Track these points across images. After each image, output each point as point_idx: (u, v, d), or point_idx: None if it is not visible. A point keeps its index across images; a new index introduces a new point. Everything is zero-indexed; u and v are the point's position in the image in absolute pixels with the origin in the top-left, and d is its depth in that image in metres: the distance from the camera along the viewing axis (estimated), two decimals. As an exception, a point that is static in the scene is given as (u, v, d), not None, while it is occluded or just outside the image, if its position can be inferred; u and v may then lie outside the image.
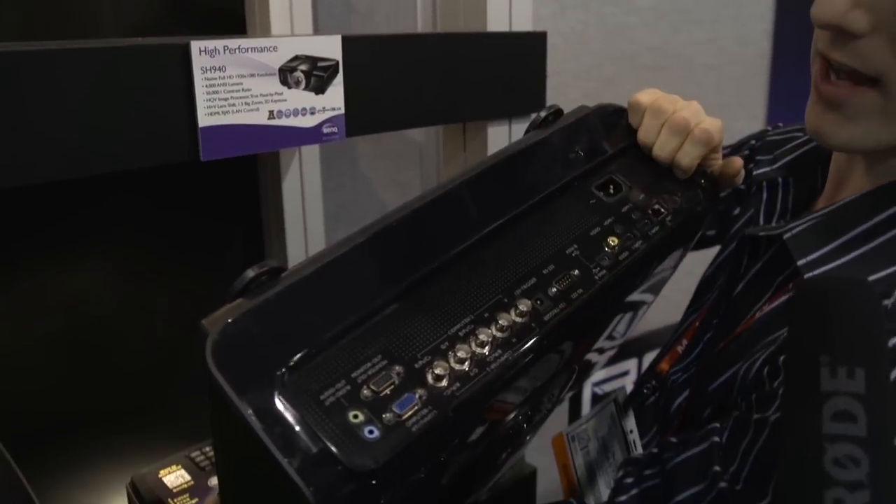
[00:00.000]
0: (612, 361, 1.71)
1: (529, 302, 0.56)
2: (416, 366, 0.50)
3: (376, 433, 0.47)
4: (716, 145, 0.69)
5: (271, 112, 0.77)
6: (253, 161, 1.18)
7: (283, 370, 0.48)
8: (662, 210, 0.66)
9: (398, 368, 0.50)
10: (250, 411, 0.46)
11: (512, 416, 0.59)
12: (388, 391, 0.49)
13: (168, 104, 0.71)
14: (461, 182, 0.62)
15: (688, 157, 0.67)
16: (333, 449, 0.45)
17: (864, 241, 0.63)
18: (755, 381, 0.64)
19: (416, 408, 0.48)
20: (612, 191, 0.66)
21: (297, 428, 0.46)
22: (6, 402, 1.03)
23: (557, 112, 0.71)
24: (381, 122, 0.89)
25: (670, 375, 0.82)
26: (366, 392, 0.48)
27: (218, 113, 0.73)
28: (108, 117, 0.68)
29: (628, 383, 1.72)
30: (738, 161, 0.72)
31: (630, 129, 0.71)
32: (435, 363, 0.51)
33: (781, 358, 0.61)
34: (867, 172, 0.67)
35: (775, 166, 0.80)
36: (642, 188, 0.67)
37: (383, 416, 0.48)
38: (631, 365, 1.76)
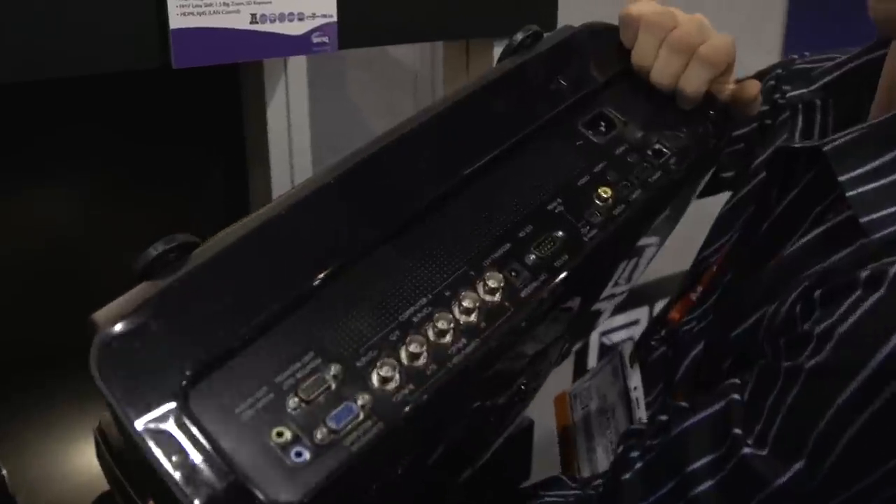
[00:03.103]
0: (621, 310, 1.66)
1: (501, 275, 0.48)
2: (358, 364, 0.43)
3: (305, 455, 0.40)
4: (727, 66, 0.61)
5: (254, 16, 0.73)
6: (236, 84, 1.13)
7: (190, 376, 0.41)
8: (665, 150, 0.58)
9: (334, 369, 0.43)
10: (144, 434, 0.39)
11: (489, 404, 0.52)
12: (321, 399, 0.41)
13: (134, 1, 0.65)
14: (417, 126, 0.53)
15: (693, 81, 0.59)
16: (250, 480, 0.38)
17: None
18: (785, 322, 0.57)
19: (356, 420, 0.41)
20: (603, 128, 0.58)
21: (202, 457, 0.39)
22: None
23: (536, 35, 0.63)
24: (379, 35, 0.85)
25: (682, 325, 0.76)
26: (293, 401, 0.41)
27: (192, 14, 0.68)
28: (67, 14, 0.63)
29: (637, 334, 1.73)
30: (754, 84, 0.63)
31: (623, 51, 0.62)
32: (381, 360, 0.43)
33: (818, 292, 0.54)
34: None
35: (812, 87, 0.73)
36: (640, 124, 0.59)
37: (314, 432, 0.40)
38: (641, 314, 1.73)
